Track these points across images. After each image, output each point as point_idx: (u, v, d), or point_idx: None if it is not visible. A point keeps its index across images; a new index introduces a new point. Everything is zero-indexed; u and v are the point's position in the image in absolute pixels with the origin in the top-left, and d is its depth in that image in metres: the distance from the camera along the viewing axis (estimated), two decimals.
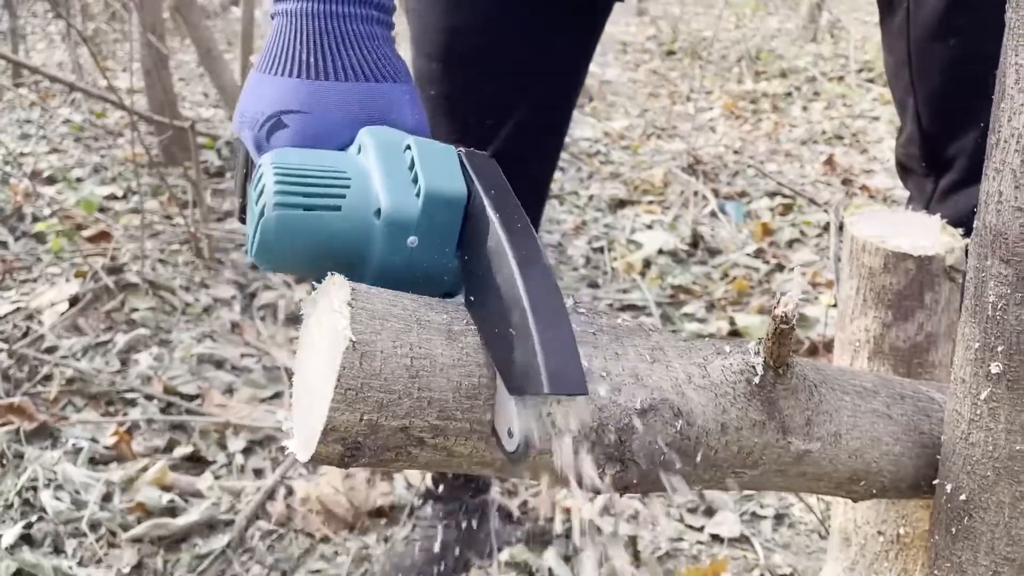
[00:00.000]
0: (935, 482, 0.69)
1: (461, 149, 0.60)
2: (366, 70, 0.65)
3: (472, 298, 0.56)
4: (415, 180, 0.57)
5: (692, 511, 1.76)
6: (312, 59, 0.63)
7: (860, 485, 0.68)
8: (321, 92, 0.63)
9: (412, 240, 0.56)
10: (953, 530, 0.67)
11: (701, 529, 1.71)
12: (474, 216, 0.56)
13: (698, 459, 0.59)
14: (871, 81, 5.39)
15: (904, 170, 1.10)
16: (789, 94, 5.18)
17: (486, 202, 0.55)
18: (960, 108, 0.97)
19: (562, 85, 1.22)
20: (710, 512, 1.75)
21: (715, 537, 1.69)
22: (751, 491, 1.82)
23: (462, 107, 1.18)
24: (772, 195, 3.43)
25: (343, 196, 0.57)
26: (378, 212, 0.56)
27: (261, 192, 0.57)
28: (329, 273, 0.54)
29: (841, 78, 5.44)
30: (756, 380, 0.60)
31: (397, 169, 0.58)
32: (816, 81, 5.35)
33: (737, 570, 1.60)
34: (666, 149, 4.07)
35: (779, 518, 1.75)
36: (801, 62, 5.80)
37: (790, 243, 3.02)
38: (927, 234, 0.87)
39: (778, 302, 0.56)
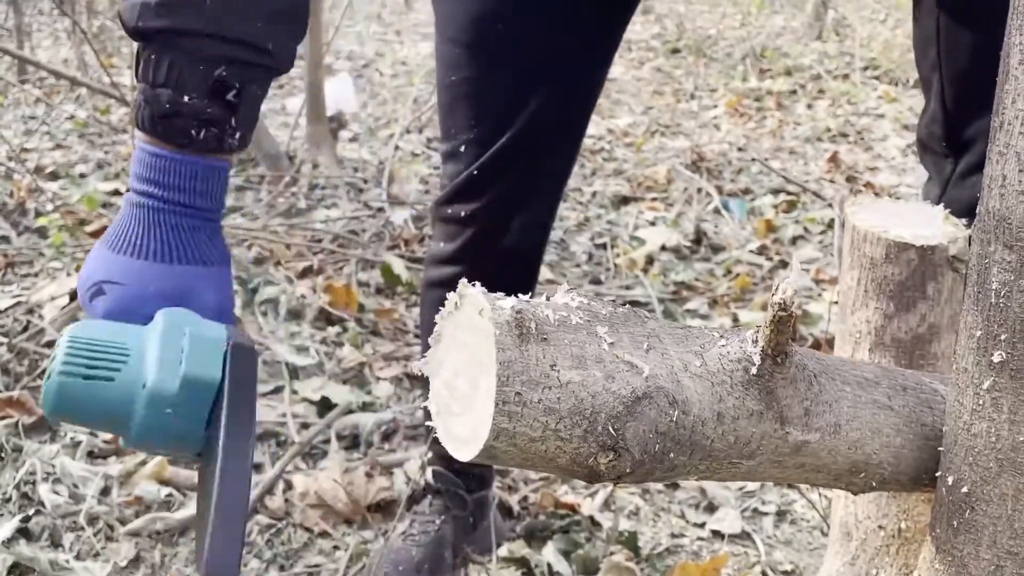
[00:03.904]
0: (937, 475, 0.67)
1: (232, 340, 0.70)
2: (179, 255, 0.76)
3: (205, 468, 0.68)
4: (180, 360, 0.68)
5: (694, 507, 1.74)
6: (137, 240, 0.75)
7: (860, 477, 0.67)
8: (136, 268, 0.75)
9: (169, 411, 0.67)
10: (955, 523, 0.65)
11: (702, 525, 1.70)
12: (220, 398, 0.68)
13: (693, 448, 0.58)
14: (876, 79, 5.37)
15: (924, 148, 1.08)
16: (794, 92, 5.16)
17: (226, 391, 0.67)
18: (985, 89, 0.96)
19: (583, 78, 1.21)
20: (711, 508, 1.74)
21: (716, 533, 1.68)
22: (749, 483, 1.81)
23: (482, 93, 1.18)
24: (776, 192, 3.42)
25: (119, 369, 0.68)
26: (144, 385, 0.67)
27: (55, 357, 0.68)
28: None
29: (846, 76, 5.42)
30: (754, 369, 0.59)
31: (171, 351, 0.69)
32: (821, 79, 5.33)
33: (738, 566, 1.59)
34: (670, 146, 4.05)
35: (781, 514, 1.74)
36: (806, 60, 5.78)
37: (794, 240, 3.01)
38: (930, 224, 0.86)
39: (777, 289, 0.55)
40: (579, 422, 0.53)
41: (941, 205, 0.88)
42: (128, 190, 0.79)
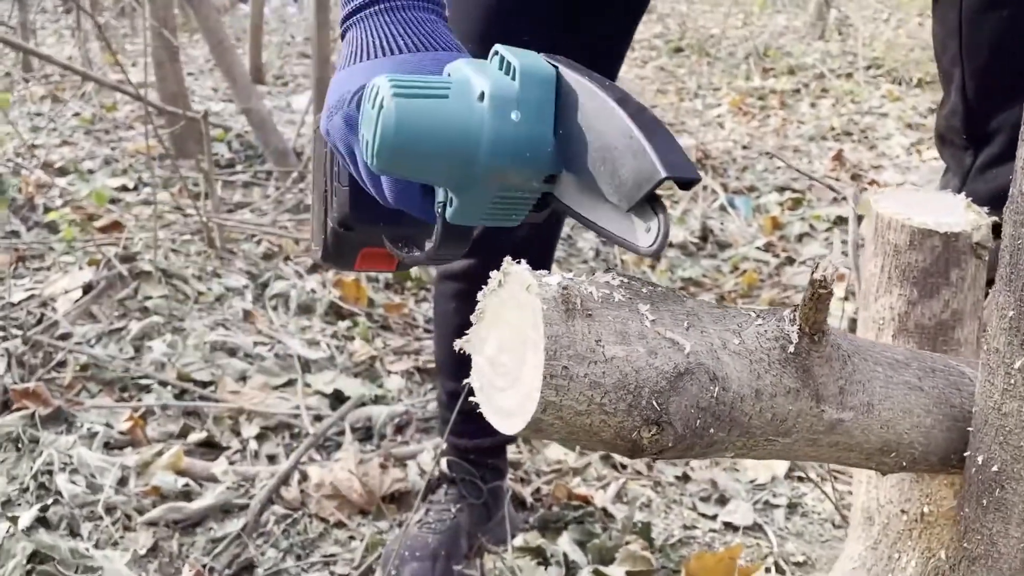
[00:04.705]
0: (966, 455, 0.69)
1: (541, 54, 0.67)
2: (432, 44, 0.74)
3: (570, 161, 0.62)
4: (507, 70, 0.64)
5: (705, 499, 1.76)
6: (387, 42, 0.74)
7: (891, 457, 0.68)
8: (397, 62, 0.72)
9: (516, 115, 0.62)
10: (984, 502, 0.66)
11: (714, 517, 1.71)
12: (564, 93, 0.63)
13: (732, 424, 0.59)
14: (879, 78, 5.38)
15: (943, 142, 1.09)
16: (797, 91, 5.17)
17: (572, 76, 0.62)
18: (1007, 81, 0.97)
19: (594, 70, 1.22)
20: (723, 500, 1.75)
21: (728, 525, 1.69)
22: (760, 477, 1.83)
23: None
24: (781, 190, 3.43)
25: (448, 87, 0.64)
26: (482, 96, 0.63)
27: (376, 95, 0.64)
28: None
29: (849, 75, 5.43)
30: (791, 347, 0.60)
31: (489, 68, 0.65)
32: (824, 78, 5.34)
33: (751, 558, 1.60)
34: None
35: (792, 507, 1.75)
36: (809, 59, 5.79)
37: (799, 237, 3.02)
38: (951, 212, 0.87)
39: (816, 266, 0.56)
40: (624, 396, 0.55)
41: (963, 194, 0.89)
42: (344, 19, 0.77)
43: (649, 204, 0.56)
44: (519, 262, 0.58)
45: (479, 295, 0.60)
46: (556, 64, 0.64)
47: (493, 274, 0.59)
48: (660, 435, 0.56)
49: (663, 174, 0.53)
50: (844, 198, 2.43)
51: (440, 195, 0.68)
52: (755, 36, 6.35)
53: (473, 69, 0.65)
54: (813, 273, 0.56)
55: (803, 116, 4.67)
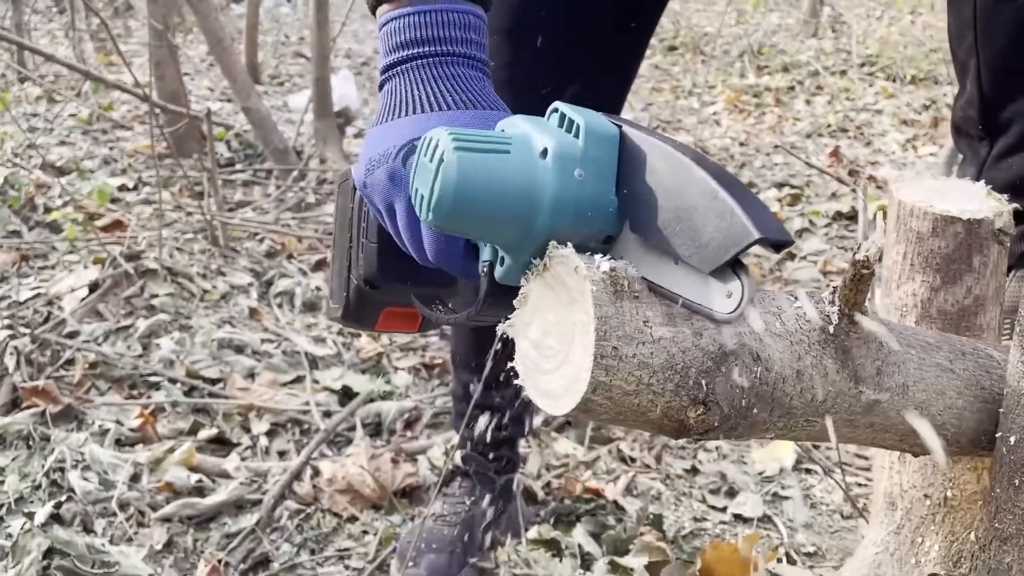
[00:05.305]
0: (996, 436, 0.70)
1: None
2: (480, 102, 0.72)
3: (635, 222, 0.60)
4: (568, 128, 0.62)
5: (714, 492, 1.77)
6: (434, 98, 0.71)
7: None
8: (445, 118, 0.70)
9: (579, 173, 0.60)
10: (1016, 482, 0.67)
11: (724, 509, 1.72)
12: (628, 152, 0.61)
13: (774, 405, 0.60)
14: (873, 75, 5.41)
15: (959, 132, 1.10)
16: (792, 88, 5.19)
17: (637, 135, 0.60)
18: (1023, 71, 0.98)
19: (616, 67, 1.23)
20: (732, 493, 1.76)
21: (738, 517, 1.70)
22: (769, 469, 1.84)
23: (518, 78, 1.19)
24: (780, 186, 3.45)
25: (508, 143, 0.62)
26: (544, 152, 0.61)
27: (435, 149, 0.61)
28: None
29: (843, 72, 5.46)
30: (831, 328, 0.61)
31: (548, 124, 0.63)
32: (819, 75, 5.37)
33: (761, 548, 1.61)
34: None
35: (801, 499, 1.76)
36: (803, 57, 5.82)
37: (799, 232, 3.03)
38: (973, 198, 0.88)
39: (858, 248, 0.57)
40: (671, 376, 0.55)
41: (983, 182, 0.90)
42: (384, 69, 0.74)
43: (731, 266, 0.54)
44: (565, 244, 0.58)
45: (521, 280, 0.60)
46: (619, 124, 0.62)
47: (536, 259, 0.59)
48: (706, 415, 0.57)
49: (756, 235, 0.51)
50: (854, 189, 2.45)
51: (486, 254, 0.65)
52: (749, 34, 6.38)
53: (532, 125, 0.63)
54: (855, 254, 0.57)
55: (798, 113, 4.69)
